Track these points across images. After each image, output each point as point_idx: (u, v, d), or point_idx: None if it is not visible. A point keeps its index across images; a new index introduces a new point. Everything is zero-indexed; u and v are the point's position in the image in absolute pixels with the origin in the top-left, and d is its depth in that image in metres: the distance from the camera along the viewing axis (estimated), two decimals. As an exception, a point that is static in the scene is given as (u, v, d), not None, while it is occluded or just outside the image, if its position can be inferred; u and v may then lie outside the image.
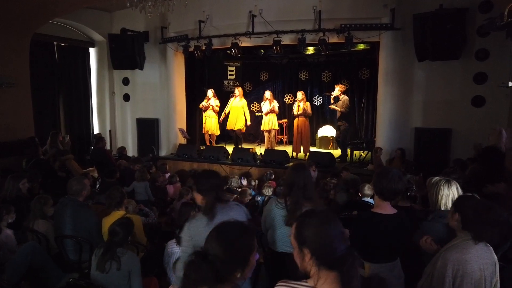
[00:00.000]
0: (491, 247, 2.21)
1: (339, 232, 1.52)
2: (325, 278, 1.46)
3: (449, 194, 2.70)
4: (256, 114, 11.24)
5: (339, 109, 8.62)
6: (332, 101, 8.84)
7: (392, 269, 2.58)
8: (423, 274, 2.35)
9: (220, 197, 2.42)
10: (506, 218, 2.21)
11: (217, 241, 1.53)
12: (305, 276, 1.56)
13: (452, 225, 2.32)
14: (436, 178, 2.84)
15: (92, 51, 10.77)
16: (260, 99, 10.94)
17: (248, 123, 9.72)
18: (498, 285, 2.22)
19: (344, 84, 9.37)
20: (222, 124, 10.12)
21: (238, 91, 9.68)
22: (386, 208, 2.57)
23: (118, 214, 3.72)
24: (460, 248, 2.19)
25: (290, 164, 8.29)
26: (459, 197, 2.52)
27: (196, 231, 2.35)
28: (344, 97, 8.67)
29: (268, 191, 6.07)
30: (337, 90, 8.75)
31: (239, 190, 6.26)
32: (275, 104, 9.42)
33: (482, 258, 2.16)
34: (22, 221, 4.01)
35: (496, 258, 2.22)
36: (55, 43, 9.68)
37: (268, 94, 9.42)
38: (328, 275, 1.46)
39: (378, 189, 2.56)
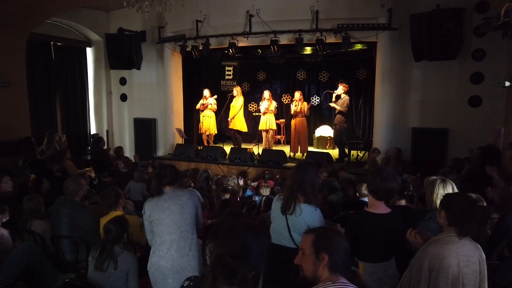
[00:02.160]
0: (478, 245, 2.23)
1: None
2: (339, 281, 1.64)
3: (444, 194, 2.70)
4: (254, 114, 11.23)
5: (338, 107, 8.60)
6: (333, 99, 8.80)
7: (386, 268, 2.58)
8: (408, 266, 2.37)
9: (163, 182, 2.96)
10: (490, 213, 2.24)
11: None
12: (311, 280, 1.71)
13: (439, 222, 2.34)
14: (433, 177, 2.85)
15: (89, 51, 10.74)
16: (257, 99, 10.94)
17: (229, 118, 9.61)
18: (485, 284, 2.22)
19: (347, 84, 9.16)
20: (221, 123, 10.10)
21: (236, 90, 9.67)
22: (380, 208, 2.57)
23: (115, 214, 3.71)
24: (440, 243, 2.21)
25: (288, 164, 8.30)
26: (446, 194, 2.53)
27: (147, 206, 2.98)
28: (345, 97, 8.63)
29: (265, 191, 6.07)
30: (341, 89, 8.70)
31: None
32: (274, 104, 9.41)
33: (463, 255, 2.16)
34: (14, 220, 3.98)
35: (483, 256, 2.22)
36: (51, 42, 9.65)
37: (266, 94, 9.41)
38: (339, 278, 1.64)
39: (373, 188, 2.56)
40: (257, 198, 6.15)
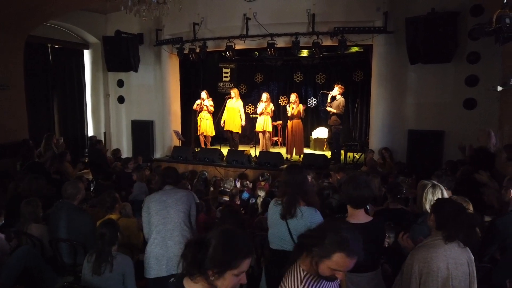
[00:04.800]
0: (466, 248, 2.26)
1: None
2: None
3: (433, 199, 2.75)
4: (251, 116, 11.26)
5: (334, 110, 8.63)
6: (329, 100, 8.82)
7: (371, 279, 2.51)
8: (399, 270, 2.41)
9: (166, 181, 3.37)
10: (478, 221, 2.27)
11: (220, 235, 1.62)
12: None
13: (429, 225, 2.38)
14: (425, 182, 2.90)
15: (87, 53, 10.76)
16: (254, 101, 10.98)
17: (243, 123, 9.69)
18: (475, 285, 2.26)
19: (342, 85, 9.12)
20: (218, 125, 10.12)
21: (234, 92, 9.69)
22: (360, 217, 2.48)
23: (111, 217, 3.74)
24: (427, 247, 2.25)
25: (285, 166, 8.32)
26: (438, 199, 2.56)
27: (147, 199, 3.37)
28: (340, 98, 8.65)
29: (261, 192, 6.11)
30: (336, 90, 8.69)
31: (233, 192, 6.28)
32: (271, 107, 9.43)
33: (451, 258, 2.20)
34: (12, 222, 4.01)
35: (472, 257, 2.27)
36: (49, 45, 9.67)
37: (264, 96, 9.43)
38: None
39: (346, 197, 2.47)
40: (253, 201, 6.18)
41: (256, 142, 9.91)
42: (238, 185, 7.28)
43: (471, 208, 2.78)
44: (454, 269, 2.20)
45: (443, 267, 2.19)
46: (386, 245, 2.97)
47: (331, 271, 1.69)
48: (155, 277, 3.13)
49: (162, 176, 3.47)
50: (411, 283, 2.23)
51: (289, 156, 9.34)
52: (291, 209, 2.74)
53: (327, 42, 7.98)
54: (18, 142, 7.39)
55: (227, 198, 6.00)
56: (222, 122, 9.69)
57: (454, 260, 2.21)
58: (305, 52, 9.85)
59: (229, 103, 9.62)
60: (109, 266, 2.95)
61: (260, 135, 9.63)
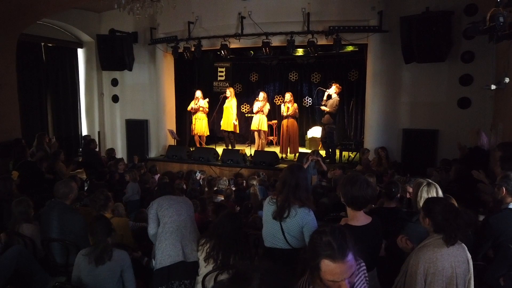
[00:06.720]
0: (463, 245, 2.28)
1: None
2: None
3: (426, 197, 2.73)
4: (246, 115, 11.24)
5: (327, 109, 8.63)
6: (325, 98, 8.83)
7: (369, 279, 2.42)
8: (400, 271, 2.39)
9: (167, 192, 3.63)
10: (473, 219, 2.27)
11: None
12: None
13: (425, 227, 2.38)
14: (420, 180, 2.89)
15: (80, 52, 10.69)
16: (250, 100, 10.96)
17: (235, 122, 9.64)
18: (472, 282, 2.28)
19: (340, 86, 9.05)
20: (213, 125, 10.09)
21: (229, 92, 9.66)
22: (360, 219, 2.44)
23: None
24: (431, 247, 2.24)
25: (280, 165, 8.32)
26: (428, 200, 2.50)
27: (155, 201, 3.51)
28: (336, 97, 8.66)
29: (254, 181, 6.11)
30: (334, 88, 8.69)
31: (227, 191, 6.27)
32: (267, 106, 9.41)
33: (454, 256, 2.21)
34: (3, 223, 3.96)
35: (469, 256, 2.28)
36: (42, 43, 9.60)
37: (261, 95, 9.42)
38: None
39: (348, 198, 2.40)
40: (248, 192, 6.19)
41: (251, 141, 9.88)
42: (233, 185, 7.25)
43: (455, 204, 2.78)
44: (458, 267, 2.21)
45: (447, 266, 2.19)
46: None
47: (334, 284, 1.55)
48: (170, 264, 3.27)
49: (159, 190, 3.77)
50: (416, 283, 2.21)
51: (283, 156, 9.33)
52: (283, 212, 2.75)
53: (322, 41, 7.98)
54: (11, 141, 7.31)
55: (222, 198, 5.97)
56: (234, 121, 9.60)
57: (456, 259, 2.22)
58: (300, 51, 9.86)
59: (226, 103, 9.60)
60: (107, 257, 2.90)
61: (256, 134, 9.60)
